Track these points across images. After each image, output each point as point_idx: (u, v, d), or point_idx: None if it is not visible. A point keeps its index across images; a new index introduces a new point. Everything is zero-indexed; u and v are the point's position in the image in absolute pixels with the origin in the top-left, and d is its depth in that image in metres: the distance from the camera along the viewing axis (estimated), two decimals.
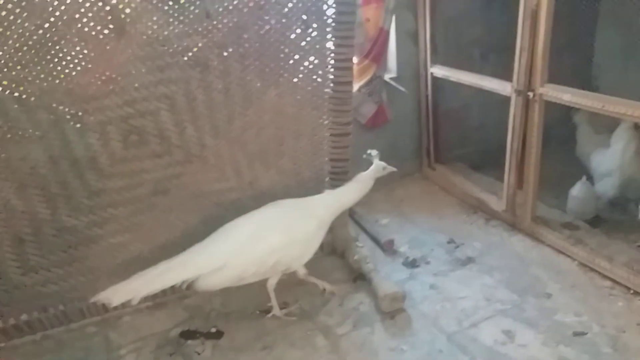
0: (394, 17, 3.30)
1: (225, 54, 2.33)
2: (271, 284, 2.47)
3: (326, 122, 2.72)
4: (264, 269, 2.36)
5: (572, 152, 3.44)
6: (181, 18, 2.19)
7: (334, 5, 2.45)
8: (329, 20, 2.48)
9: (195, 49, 2.27)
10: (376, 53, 3.30)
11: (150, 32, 2.15)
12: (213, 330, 2.48)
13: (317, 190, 2.81)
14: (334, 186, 2.82)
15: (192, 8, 2.19)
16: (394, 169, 2.64)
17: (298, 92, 2.57)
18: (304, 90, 2.58)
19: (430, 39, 3.32)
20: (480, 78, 3.00)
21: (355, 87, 3.34)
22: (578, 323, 2.30)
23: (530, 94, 2.63)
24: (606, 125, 3.07)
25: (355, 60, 3.30)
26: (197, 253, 2.33)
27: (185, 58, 2.27)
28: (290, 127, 2.63)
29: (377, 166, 2.57)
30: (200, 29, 2.24)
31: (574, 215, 3.00)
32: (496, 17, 3.43)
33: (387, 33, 3.29)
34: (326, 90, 2.64)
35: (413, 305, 2.52)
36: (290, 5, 2.36)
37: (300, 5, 2.38)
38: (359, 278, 2.74)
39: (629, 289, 2.45)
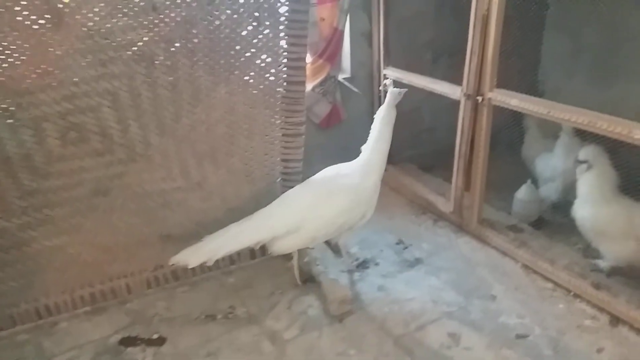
0: (348, 17, 3.28)
1: (172, 49, 2.23)
2: (342, 242, 2.74)
3: (278, 121, 2.67)
4: (333, 229, 2.50)
5: (519, 155, 3.53)
6: (125, 10, 2.08)
7: (287, 3, 2.39)
8: (282, 19, 2.42)
9: (140, 43, 2.17)
10: (330, 53, 3.27)
11: (91, 24, 2.03)
12: (155, 336, 2.39)
13: (269, 191, 2.77)
14: (285, 187, 2.79)
15: (137, 0, 2.09)
16: (406, 90, 2.64)
17: (250, 90, 2.50)
18: (256, 88, 2.51)
19: (383, 41, 3.32)
20: (431, 81, 3.03)
21: (309, 86, 3.32)
22: (521, 325, 2.36)
23: (479, 98, 2.67)
24: (554, 130, 3.16)
25: (309, 59, 3.29)
26: (270, 216, 2.47)
27: (130, 52, 2.16)
28: (242, 125, 2.56)
29: (393, 94, 2.59)
30: (145, 22, 2.14)
31: (518, 217, 3.08)
32: (449, 21, 3.47)
33: (342, 33, 3.27)
34: (278, 89, 2.58)
35: (362, 308, 2.52)
36: (241, 1, 2.28)
37: (252, 1, 2.31)
38: (309, 280, 2.71)
39: (569, 291, 2.53)
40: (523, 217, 3.08)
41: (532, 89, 3.98)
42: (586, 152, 2.53)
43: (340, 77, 3.50)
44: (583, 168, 2.53)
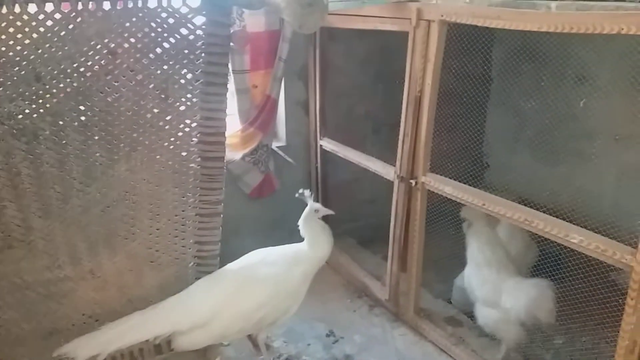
0: (283, 85, 3.10)
1: (61, 122, 1.96)
2: (261, 338, 2.38)
3: (191, 199, 2.39)
4: (250, 325, 2.24)
5: (461, 232, 3.34)
6: (1, 79, 1.80)
7: (202, 75, 2.17)
8: (197, 91, 2.19)
9: (20, 116, 1.88)
10: (262, 121, 3.06)
11: None
12: None
13: (178, 278, 2.46)
14: (200, 272, 2.48)
15: (16, 69, 1.81)
16: (331, 212, 2.46)
17: (156, 167, 2.23)
18: (163, 165, 2.25)
19: (320, 111, 3.15)
20: (366, 158, 2.84)
21: (239, 155, 3.08)
22: None
23: (413, 182, 2.48)
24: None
25: (239, 127, 3.07)
26: (176, 307, 2.20)
27: (6, 126, 1.87)
28: (145, 206, 2.26)
29: (310, 209, 2.37)
30: (27, 93, 1.86)
31: (458, 305, 2.85)
32: (387, 95, 3.34)
33: (275, 101, 3.07)
34: (192, 165, 2.32)
35: None
36: (146, 72, 2.04)
37: (158, 72, 2.07)
38: None
39: None
40: (462, 304, 2.85)
41: (476, 163, 3.88)
42: (466, 209, 2.53)
43: (274, 146, 3.28)
44: (466, 226, 2.59)
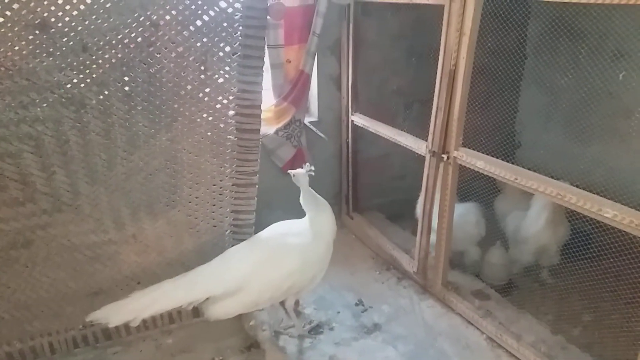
0: (316, 60, 3.12)
1: (106, 92, 2.04)
2: (290, 304, 2.47)
3: (228, 170, 2.47)
4: (279, 293, 2.31)
5: (490, 210, 3.34)
6: (51, 50, 1.89)
7: (239, 47, 2.22)
8: (235, 64, 2.25)
9: (68, 85, 1.98)
10: (295, 96, 3.10)
11: (10, 63, 1.83)
12: None
13: (215, 245, 2.55)
14: (236, 240, 2.57)
15: (65, 40, 1.90)
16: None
17: (195, 137, 2.31)
18: (202, 135, 2.33)
19: (352, 86, 3.17)
20: (397, 133, 2.86)
21: (273, 129, 3.14)
22: None
23: (444, 157, 2.50)
24: None
25: (273, 102, 3.11)
26: (208, 275, 2.25)
27: (56, 95, 1.96)
28: (185, 174, 2.35)
29: (304, 176, 2.39)
30: (75, 64, 1.95)
31: (486, 280, 2.88)
32: (420, 71, 3.33)
33: (308, 76, 3.10)
34: (229, 137, 2.39)
35: None
36: (186, 44, 2.10)
37: (198, 44, 2.13)
38: (254, 346, 2.47)
39: None
40: (491, 280, 2.88)
41: (508, 141, 3.86)
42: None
43: (307, 121, 3.33)
44: None
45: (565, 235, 2.80)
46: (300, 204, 2.43)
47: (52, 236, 2.17)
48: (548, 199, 2.81)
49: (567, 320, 2.61)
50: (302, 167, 2.41)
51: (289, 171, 2.44)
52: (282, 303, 2.53)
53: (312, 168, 2.39)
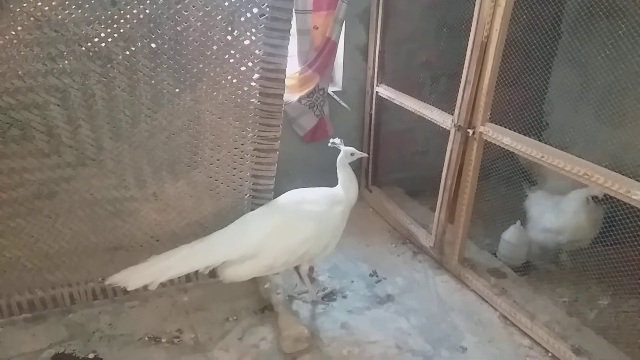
0: (343, 28, 3.07)
1: (133, 48, 2.04)
2: (304, 269, 2.52)
3: (250, 134, 2.46)
4: (294, 258, 2.34)
5: (512, 189, 3.29)
6: (80, 2, 1.88)
7: (267, 9, 2.19)
8: (262, 25, 2.22)
9: (96, 39, 1.98)
10: (321, 64, 3.06)
11: (39, 13, 1.84)
12: (91, 356, 2.21)
13: (234, 208, 2.57)
14: (255, 204, 2.58)
15: None
16: (365, 155, 2.61)
17: (219, 99, 2.30)
18: (226, 98, 2.31)
19: (379, 57, 3.11)
20: (423, 106, 2.81)
21: (296, 97, 3.11)
22: None
23: (470, 131, 2.45)
24: None
25: (297, 68, 3.08)
26: (225, 240, 2.29)
27: (83, 48, 1.97)
28: (207, 136, 2.36)
29: (345, 152, 2.45)
30: (103, 17, 1.95)
31: (503, 260, 2.86)
32: (450, 41, 3.24)
33: (335, 44, 3.05)
34: (252, 100, 2.38)
35: (319, 347, 2.31)
36: (214, 3, 2.08)
37: (226, 4, 2.11)
38: (267, 309, 2.51)
39: (547, 351, 2.30)
40: (508, 261, 2.85)
41: (536, 120, 3.76)
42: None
43: (330, 90, 3.29)
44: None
45: (600, 227, 2.73)
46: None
47: (75, 189, 2.21)
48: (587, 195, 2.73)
49: (583, 303, 2.59)
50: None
51: (331, 140, 2.46)
52: (297, 268, 2.56)
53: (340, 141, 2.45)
